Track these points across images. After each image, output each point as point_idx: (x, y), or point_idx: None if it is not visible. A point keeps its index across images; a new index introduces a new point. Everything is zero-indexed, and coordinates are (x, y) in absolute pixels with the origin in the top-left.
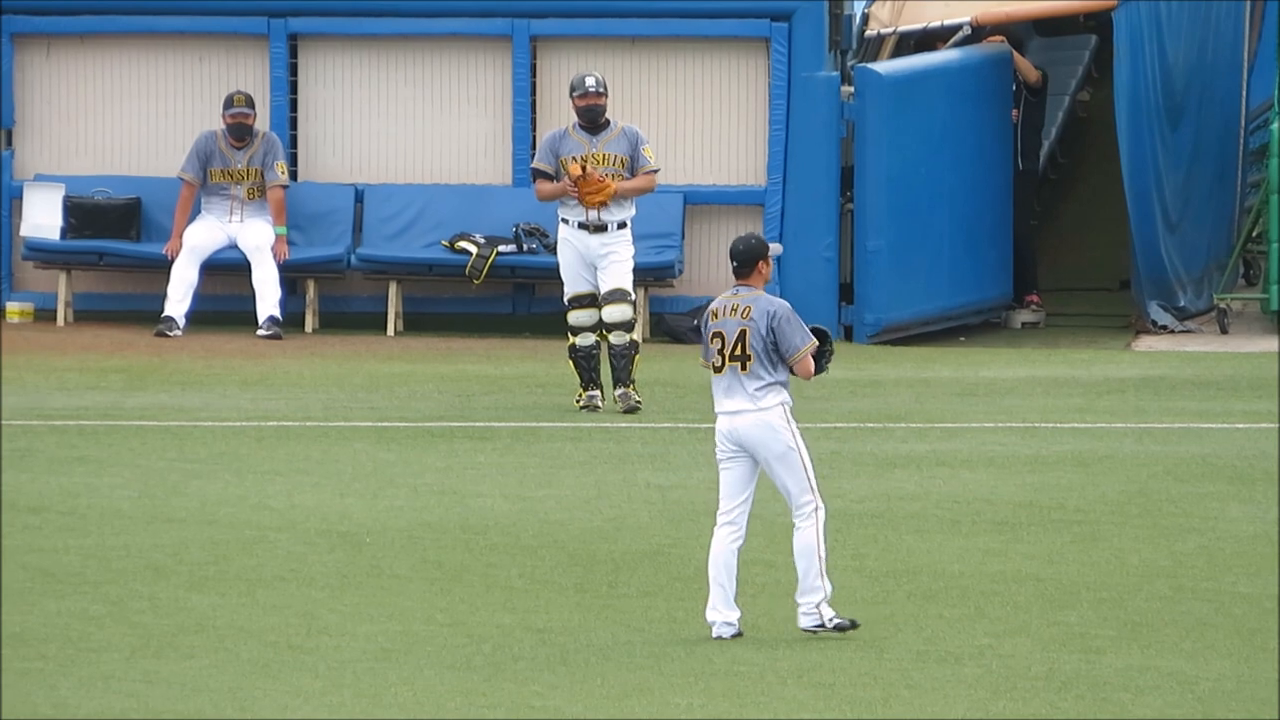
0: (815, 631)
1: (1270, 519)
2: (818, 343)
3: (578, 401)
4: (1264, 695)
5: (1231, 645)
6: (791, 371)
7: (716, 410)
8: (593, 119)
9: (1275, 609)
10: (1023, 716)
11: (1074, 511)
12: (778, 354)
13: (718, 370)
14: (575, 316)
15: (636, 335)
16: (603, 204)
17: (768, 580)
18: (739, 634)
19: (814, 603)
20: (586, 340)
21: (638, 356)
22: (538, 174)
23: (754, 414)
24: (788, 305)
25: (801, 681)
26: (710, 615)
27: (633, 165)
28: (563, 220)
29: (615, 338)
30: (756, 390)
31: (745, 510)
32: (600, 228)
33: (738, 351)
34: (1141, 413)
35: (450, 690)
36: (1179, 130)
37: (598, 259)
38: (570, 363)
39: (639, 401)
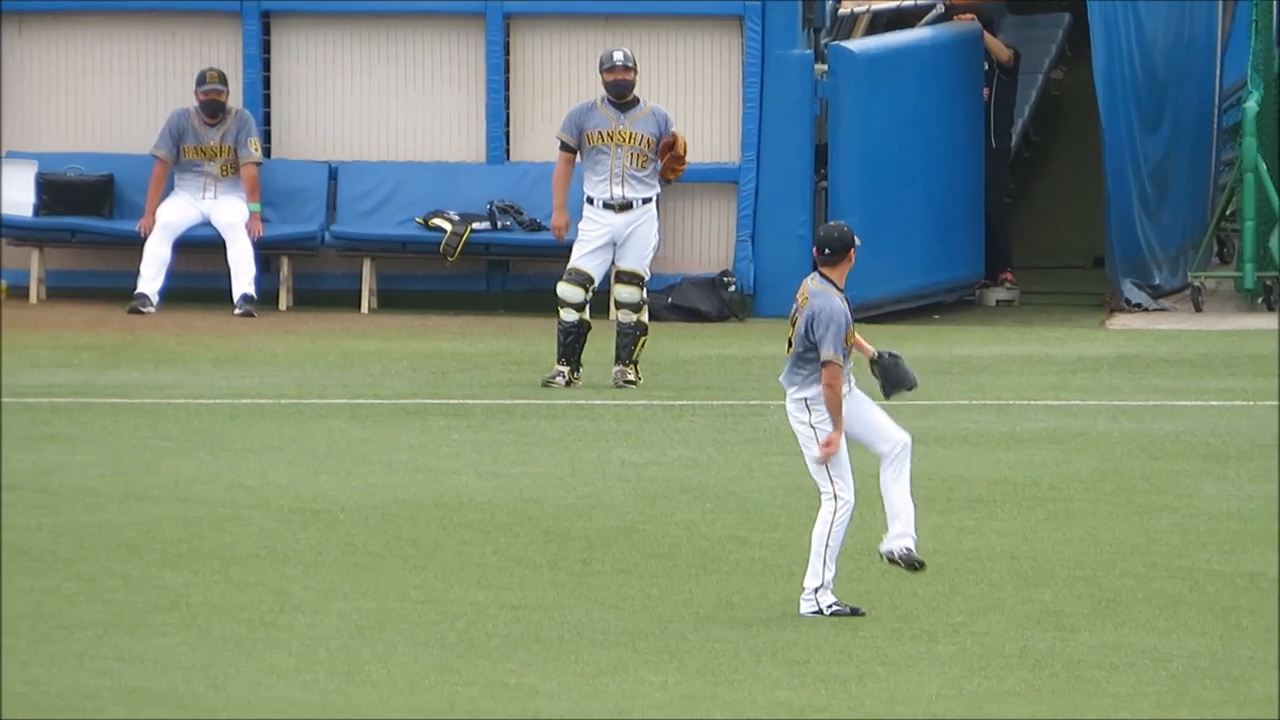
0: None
1: (1243, 495)
2: (834, 362)
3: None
4: (1237, 673)
5: (1205, 623)
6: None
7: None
8: (620, 94)
9: (1246, 586)
10: (997, 693)
11: (1048, 489)
12: (814, 348)
13: (788, 352)
14: (562, 288)
15: (646, 317)
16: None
17: (742, 557)
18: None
19: (812, 588)
20: (570, 316)
21: (644, 339)
22: (562, 144)
23: (789, 402)
24: (840, 311)
25: (776, 659)
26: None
27: (659, 146)
28: (588, 200)
29: (623, 315)
30: (793, 380)
31: (878, 443)
32: (626, 206)
33: (791, 337)
34: (1115, 390)
35: (424, 667)
36: (1162, 110)
37: (621, 236)
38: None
39: (631, 380)
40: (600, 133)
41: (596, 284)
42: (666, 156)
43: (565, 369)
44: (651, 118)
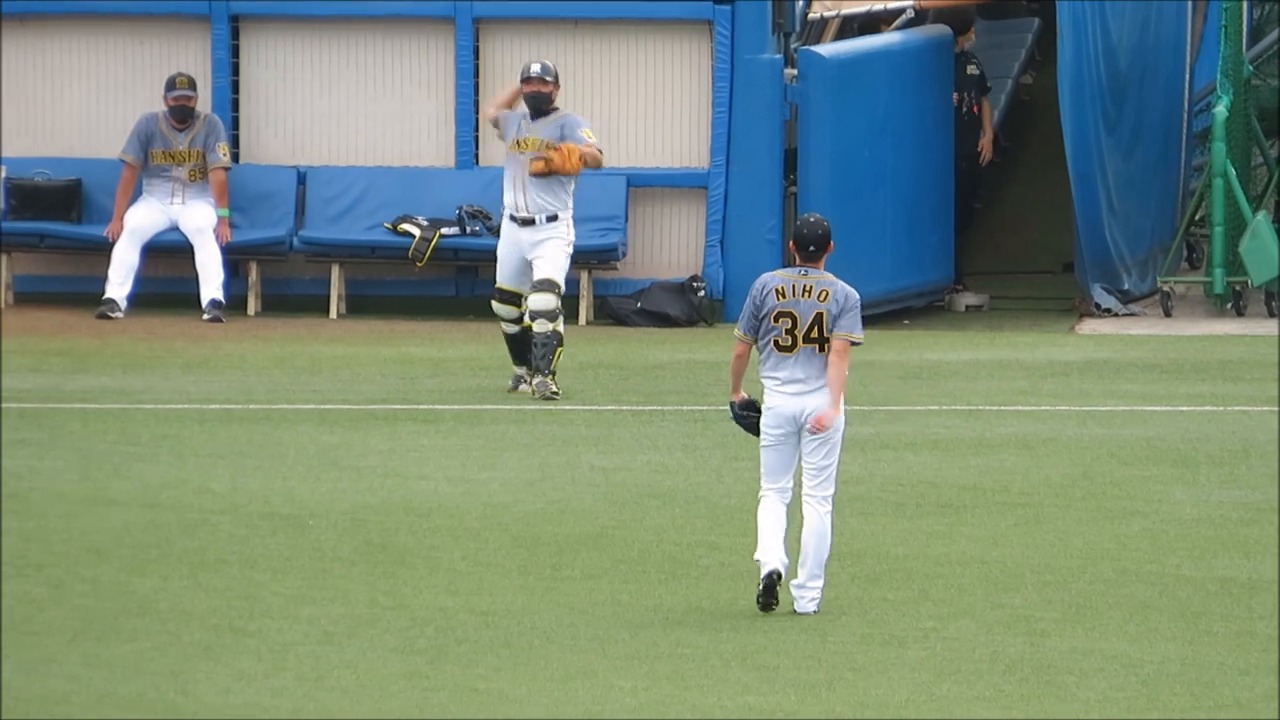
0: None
1: (1213, 501)
2: (862, 341)
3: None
4: (1207, 678)
5: (1175, 628)
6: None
7: (775, 388)
8: (536, 106)
9: (1216, 591)
10: (967, 699)
11: (1018, 494)
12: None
13: (786, 350)
14: (496, 307)
15: (562, 327)
16: (552, 171)
17: (711, 563)
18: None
19: (819, 588)
20: (511, 329)
21: (560, 349)
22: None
23: (823, 393)
24: (858, 297)
25: (745, 664)
26: (760, 555)
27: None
28: (503, 208)
29: (539, 325)
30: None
31: (790, 484)
32: (528, 221)
33: (814, 334)
34: (1085, 395)
35: (393, 673)
36: (1123, 112)
37: (529, 253)
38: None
39: (556, 392)
40: (516, 140)
41: (528, 292)
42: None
43: (522, 370)
44: (555, 124)
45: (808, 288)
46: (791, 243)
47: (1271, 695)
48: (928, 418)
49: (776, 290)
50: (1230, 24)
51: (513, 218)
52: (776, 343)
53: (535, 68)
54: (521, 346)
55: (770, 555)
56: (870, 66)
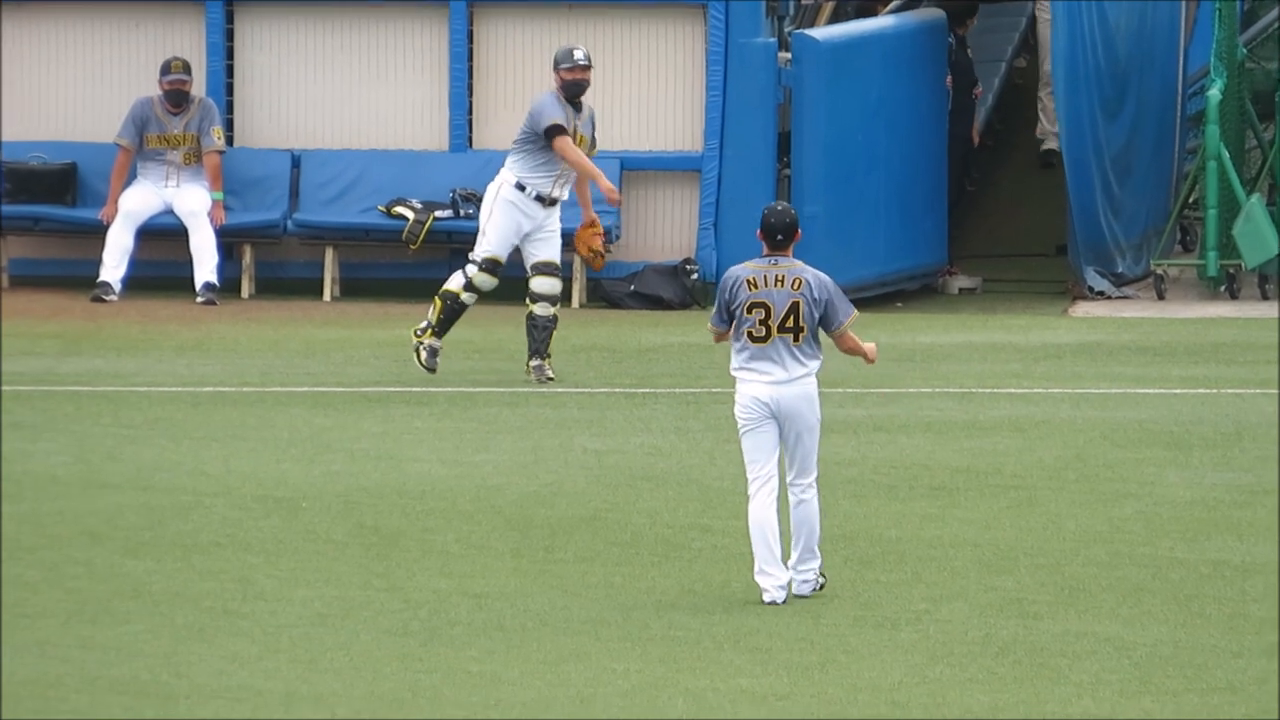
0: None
1: (1206, 483)
2: (858, 315)
3: (418, 334)
4: (1200, 660)
5: (1168, 611)
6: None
7: (750, 378)
8: (579, 93)
9: (1208, 574)
10: (959, 681)
11: (1011, 477)
12: (820, 326)
13: (760, 340)
14: (483, 280)
15: (558, 309)
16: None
17: (704, 545)
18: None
19: (816, 569)
20: (470, 299)
21: (555, 332)
22: (560, 128)
23: (798, 384)
24: (830, 278)
25: (738, 646)
26: (760, 579)
27: (589, 146)
28: (518, 186)
29: (540, 309)
30: (805, 361)
31: (776, 469)
32: (554, 201)
33: (789, 324)
34: (1078, 378)
35: (387, 655)
36: (1124, 99)
37: (536, 231)
38: (439, 305)
39: (552, 376)
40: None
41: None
42: (588, 234)
43: (439, 344)
44: (589, 121)
45: (779, 277)
46: (759, 232)
47: (1263, 677)
48: (920, 400)
49: (748, 281)
50: (1224, 7)
51: (539, 198)
52: (750, 334)
53: (579, 54)
54: (457, 318)
55: (768, 580)
56: (864, 50)
